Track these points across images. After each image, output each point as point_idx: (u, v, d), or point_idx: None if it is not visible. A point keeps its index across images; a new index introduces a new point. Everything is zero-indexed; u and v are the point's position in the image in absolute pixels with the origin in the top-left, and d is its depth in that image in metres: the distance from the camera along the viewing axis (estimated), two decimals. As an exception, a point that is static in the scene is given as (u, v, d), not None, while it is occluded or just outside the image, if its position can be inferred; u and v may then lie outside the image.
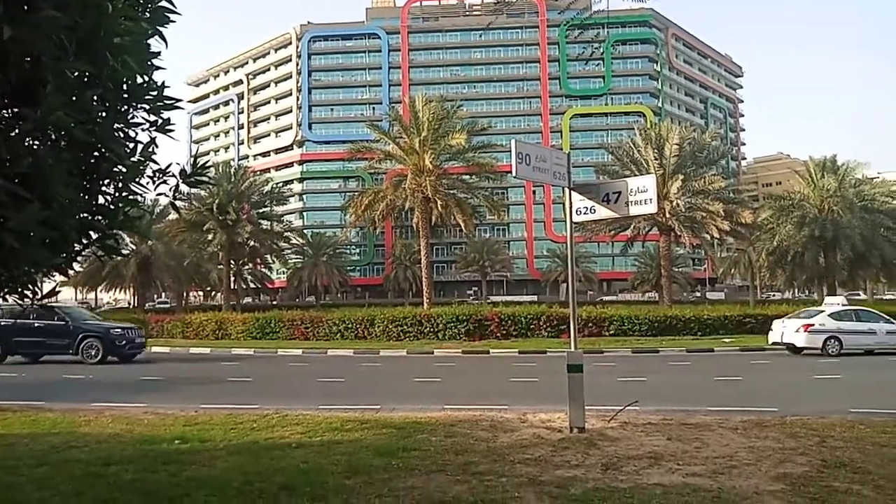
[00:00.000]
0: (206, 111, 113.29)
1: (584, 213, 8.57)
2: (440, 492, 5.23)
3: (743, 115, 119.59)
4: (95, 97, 2.93)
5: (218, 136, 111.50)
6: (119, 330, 19.13)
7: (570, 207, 8.49)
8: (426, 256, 31.65)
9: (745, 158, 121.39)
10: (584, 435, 7.44)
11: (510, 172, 7.87)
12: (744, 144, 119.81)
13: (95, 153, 3.07)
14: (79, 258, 3.60)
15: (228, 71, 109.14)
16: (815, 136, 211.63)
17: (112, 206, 3.27)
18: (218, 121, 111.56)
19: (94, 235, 3.27)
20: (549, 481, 5.51)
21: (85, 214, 3.16)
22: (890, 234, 36.84)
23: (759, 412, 9.04)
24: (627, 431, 7.68)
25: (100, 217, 3.23)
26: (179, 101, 3.38)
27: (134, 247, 42.32)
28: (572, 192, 8.44)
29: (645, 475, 5.70)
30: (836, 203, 35.81)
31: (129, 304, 61.22)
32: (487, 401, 10.42)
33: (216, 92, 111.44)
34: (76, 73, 2.62)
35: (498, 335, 23.55)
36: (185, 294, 59.34)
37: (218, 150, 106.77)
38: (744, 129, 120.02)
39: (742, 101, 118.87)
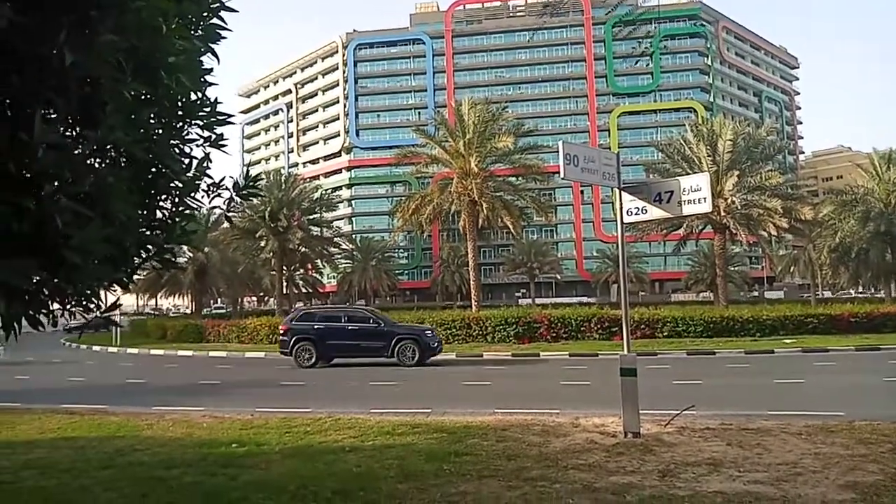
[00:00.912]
0: (256, 121, 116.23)
1: (636, 214, 8.40)
2: (493, 497, 5.20)
3: (800, 108, 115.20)
4: (152, 116, 3.04)
5: (269, 145, 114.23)
6: (430, 332, 18.99)
7: (621, 208, 8.33)
8: (474, 259, 31.61)
9: (803, 153, 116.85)
10: (639, 440, 7.28)
11: (558, 173, 7.79)
12: (801, 138, 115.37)
13: (153, 170, 3.18)
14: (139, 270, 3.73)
15: (277, 81, 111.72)
16: (879, 127, 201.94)
17: (169, 221, 3.38)
18: (268, 130, 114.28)
19: (152, 250, 3.38)
20: (604, 488, 5.40)
21: (144, 230, 3.28)
22: (964, 228, 34.83)
23: (825, 416, 8.65)
24: (685, 437, 7.46)
25: (158, 232, 3.34)
26: (232, 116, 3.47)
27: (191, 255, 43.70)
28: (623, 192, 8.29)
29: (704, 482, 5.53)
30: (903, 197, 34.12)
31: (189, 310, 63.23)
32: (539, 404, 10.32)
33: (266, 102, 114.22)
34: (133, 94, 2.71)
35: (548, 338, 23.31)
36: (239, 300, 60.92)
37: (269, 159, 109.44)
38: (801, 123, 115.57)
39: (798, 94, 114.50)
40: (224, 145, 3.47)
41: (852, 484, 5.36)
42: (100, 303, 3.24)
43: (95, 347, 28.57)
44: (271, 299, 56.11)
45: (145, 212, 3.29)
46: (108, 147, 2.78)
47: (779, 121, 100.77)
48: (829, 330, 22.94)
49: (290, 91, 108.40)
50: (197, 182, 3.38)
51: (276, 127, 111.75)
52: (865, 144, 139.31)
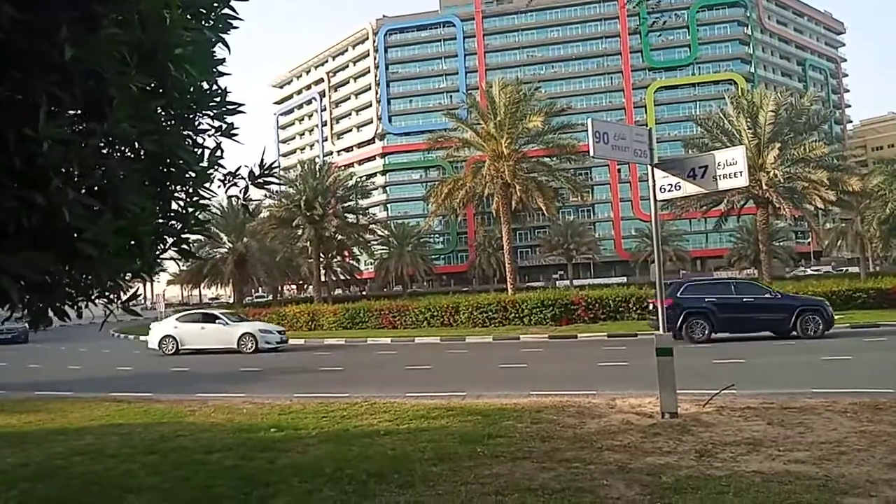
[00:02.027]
0: (290, 111, 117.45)
1: (669, 190, 8.21)
2: (526, 479, 5.19)
3: (846, 76, 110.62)
4: (161, 107, 3.06)
5: (303, 134, 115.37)
6: (827, 303, 17.60)
7: (654, 185, 8.15)
8: (508, 242, 31.44)
9: (850, 121, 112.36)
10: (676, 420, 7.16)
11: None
12: (849, 106, 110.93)
13: (165, 161, 3.22)
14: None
15: (310, 70, 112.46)
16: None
17: (185, 211, 3.42)
18: (302, 119, 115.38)
19: (169, 240, 3.43)
20: (639, 468, 5.33)
21: (160, 221, 3.32)
22: None
23: (873, 394, 8.36)
24: (724, 416, 7.31)
25: (174, 223, 3.39)
26: (242, 105, 3.48)
27: (231, 245, 44.64)
28: (655, 168, 8.11)
29: (743, 462, 5.41)
30: (959, 164, 32.53)
31: (231, 299, 64.70)
32: (575, 386, 10.24)
33: (299, 92, 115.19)
34: (139, 86, 2.73)
35: (585, 319, 23.11)
36: (279, 288, 62.01)
37: (303, 149, 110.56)
38: (848, 90, 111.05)
39: (845, 61, 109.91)
40: (235, 134, 3.49)
41: (900, 463, 5.17)
42: (121, 294, 3.31)
43: (142, 337, 29.39)
44: (310, 287, 56.92)
45: (160, 203, 3.34)
46: (116, 140, 2.82)
47: (824, 89, 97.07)
48: (879, 304, 22.16)
49: (322, 80, 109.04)
50: (210, 172, 3.40)
51: (310, 116, 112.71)
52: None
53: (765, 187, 29.47)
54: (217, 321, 21.25)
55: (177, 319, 22.14)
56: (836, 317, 20.32)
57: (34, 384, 14.33)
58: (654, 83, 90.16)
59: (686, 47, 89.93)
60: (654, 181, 8.11)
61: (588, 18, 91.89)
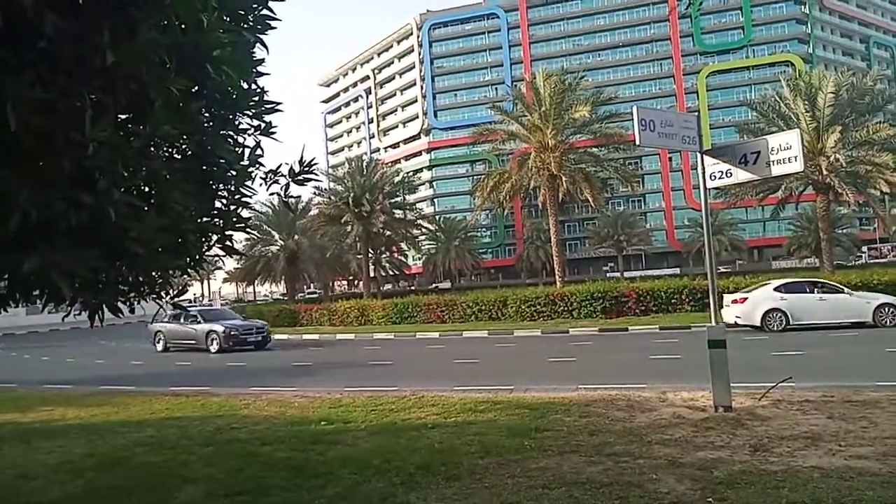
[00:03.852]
0: (337, 109, 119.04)
1: (720, 178, 7.97)
2: (573, 472, 5.14)
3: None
4: (201, 109, 3.15)
5: (350, 132, 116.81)
6: None
7: (704, 172, 7.92)
8: (556, 234, 31.09)
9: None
10: (730, 414, 6.96)
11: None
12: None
13: (207, 161, 3.31)
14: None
15: (356, 68, 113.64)
16: None
17: (227, 209, 3.51)
18: (349, 117, 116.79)
19: (213, 237, 3.53)
20: (689, 463, 5.22)
21: (204, 219, 3.43)
22: None
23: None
24: (781, 410, 7.07)
25: (217, 220, 3.49)
26: (280, 104, 3.55)
27: (282, 242, 45.67)
28: (705, 156, 7.88)
29: (800, 457, 5.22)
30: None
31: (283, 295, 66.26)
32: (625, 380, 10.08)
33: (345, 90, 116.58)
34: (179, 88, 2.82)
35: (636, 311, 22.66)
36: (330, 284, 63.08)
37: (351, 146, 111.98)
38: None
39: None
40: (274, 133, 3.57)
41: (971, 459, 4.89)
42: (170, 290, 3.43)
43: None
44: (359, 282, 57.75)
45: (204, 201, 3.44)
46: (159, 141, 2.92)
47: (890, 67, 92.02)
48: (952, 293, 20.92)
49: (368, 77, 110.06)
50: (251, 170, 3.49)
51: (357, 114, 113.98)
52: None
53: (825, 172, 28.21)
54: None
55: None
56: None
57: (100, 378, 15.02)
58: (706, 68, 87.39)
59: (740, 29, 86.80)
60: (703, 168, 7.89)
61: (636, 3, 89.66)
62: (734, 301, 17.82)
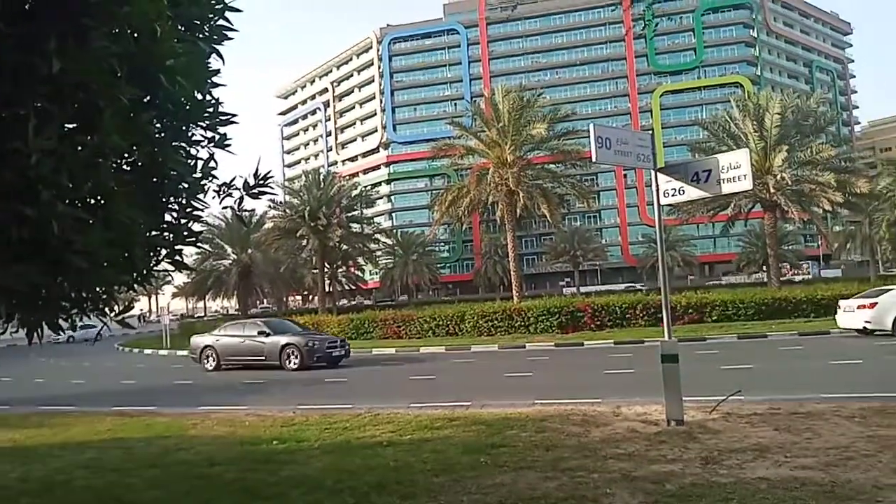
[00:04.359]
0: (295, 122, 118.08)
1: (674, 195, 8.15)
2: (529, 489, 5.13)
3: (854, 77, 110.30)
4: (152, 119, 3.05)
5: (308, 144, 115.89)
6: None
7: (657, 190, 8.11)
8: (513, 250, 31.38)
9: (858, 123, 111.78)
10: (682, 428, 7.08)
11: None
12: (856, 108, 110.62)
13: (158, 173, 3.20)
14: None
15: (314, 80, 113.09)
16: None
17: (177, 223, 3.40)
18: (307, 130, 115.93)
19: (163, 252, 3.41)
20: (643, 477, 5.27)
21: (153, 232, 3.31)
22: None
23: (883, 398, 8.25)
24: (730, 423, 7.22)
25: (167, 234, 3.37)
26: (234, 115, 3.48)
27: (235, 256, 44.79)
28: (659, 173, 8.07)
29: (749, 469, 5.34)
30: (968, 164, 32.23)
31: (237, 310, 64.87)
32: (580, 394, 10.16)
33: (303, 102, 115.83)
34: (130, 98, 2.72)
35: (592, 326, 22.97)
36: (284, 299, 62.11)
37: (308, 159, 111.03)
38: (855, 91, 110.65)
39: (852, 62, 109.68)
40: (229, 145, 3.48)
41: (908, 468, 5.07)
42: (115, 307, 3.29)
43: (147, 351, 29.55)
44: (315, 297, 57.02)
45: (153, 214, 3.32)
46: (108, 152, 2.81)
47: (831, 91, 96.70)
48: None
49: (326, 90, 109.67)
50: (203, 183, 3.39)
51: (315, 126, 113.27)
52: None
53: (772, 190, 29.32)
54: None
55: None
56: (827, 320, 20.17)
57: (38, 399, 14.37)
58: (660, 87, 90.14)
59: (692, 51, 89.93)
60: (657, 186, 8.07)
61: (592, 23, 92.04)
62: (860, 307, 17.47)
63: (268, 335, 18.24)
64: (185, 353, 27.63)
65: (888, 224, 35.61)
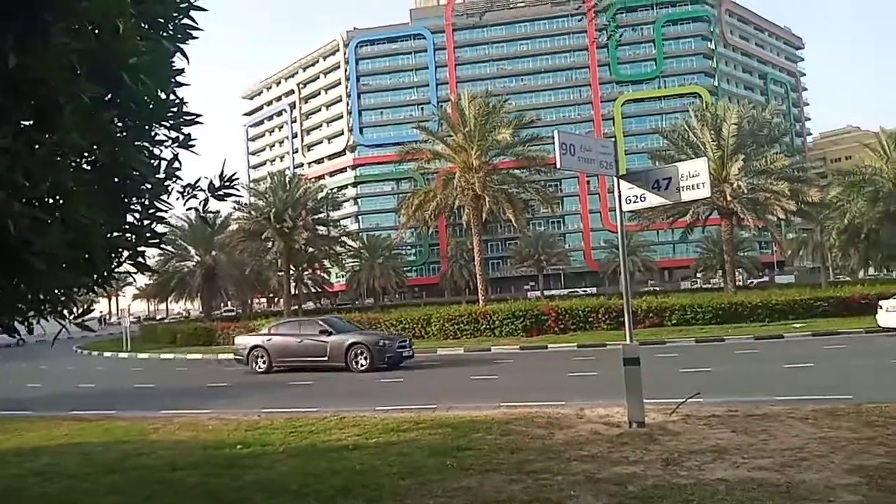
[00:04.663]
0: (260, 123, 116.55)
1: (635, 202, 8.33)
2: (494, 491, 5.18)
3: (806, 90, 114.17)
4: (114, 118, 2.99)
5: (273, 146, 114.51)
6: None
7: (619, 196, 8.27)
8: (479, 253, 31.55)
9: (810, 134, 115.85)
10: (643, 430, 7.23)
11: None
12: (808, 119, 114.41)
13: (119, 172, 3.14)
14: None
15: (280, 82, 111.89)
16: (887, 105, 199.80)
17: (140, 224, 3.34)
18: (272, 131, 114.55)
19: (124, 254, 3.34)
20: (606, 479, 5.37)
21: (113, 233, 3.23)
22: (976, 205, 34.26)
23: (833, 400, 8.57)
24: (690, 425, 7.41)
25: (129, 235, 3.30)
26: (199, 116, 3.43)
27: (199, 258, 43.94)
28: (621, 180, 8.23)
29: (708, 470, 5.49)
30: (912, 175, 33.63)
31: (201, 313, 63.60)
32: (545, 397, 10.28)
33: (269, 103, 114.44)
34: (91, 96, 2.66)
35: (556, 330, 23.23)
36: (249, 301, 61.20)
37: (274, 160, 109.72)
38: (808, 104, 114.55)
39: (804, 75, 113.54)
40: (193, 145, 3.43)
41: (858, 467, 5.29)
42: (73, 310, 3.21)
43: (106, 354, 28.79)
44: (280, 300, 56.29)
45: (114, 215, 3.25)
46: (66, 150, 2.75)
47: (784, 103, 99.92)
48: (839, 312, 22.73)
49: (292, 91, 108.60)
50: (167, 184, 3.34)
51: (280, 128, 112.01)
52: (874, 123, 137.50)
53: (729, 198, 30.09)
54: None
55: None
56: (797, 325, 20.95)
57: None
58: (622, 96, 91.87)
59: (652, 61, 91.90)
60: (619, 192, 8.23)
61: (557, 32, 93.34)
62: None
63: (330, 333, 16.83)
64: (145, 355, 27.17)
65: (838, 232, 36.83)
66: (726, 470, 5.46)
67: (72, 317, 3.20)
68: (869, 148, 38.83)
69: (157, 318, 73.19)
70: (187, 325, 36.00)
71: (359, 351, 16.30)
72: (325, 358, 16.56)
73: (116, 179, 3.17)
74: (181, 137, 3.37)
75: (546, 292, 68.86)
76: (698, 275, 70.86)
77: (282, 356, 17.31)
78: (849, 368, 12.65)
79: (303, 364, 16.96)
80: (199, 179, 3.52)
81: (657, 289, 64.89)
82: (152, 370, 21.40)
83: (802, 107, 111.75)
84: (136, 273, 3.60)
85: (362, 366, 16.12)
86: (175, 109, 3.28)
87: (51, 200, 2.80)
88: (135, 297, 60.08)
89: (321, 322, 17.90)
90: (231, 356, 19.30)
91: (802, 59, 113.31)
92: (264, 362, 17.43)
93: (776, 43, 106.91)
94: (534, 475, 5.59)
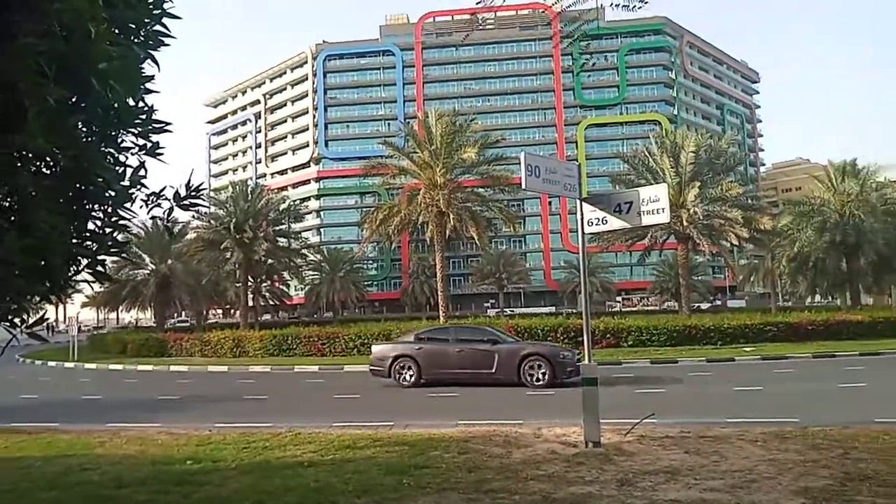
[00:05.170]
0: (224, 131, 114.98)
1: (597, 224, 8.50)
2: (451, 510, 5.16)
3: (760, 121, 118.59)
4: (80, 123, 2.92)
5: (236, 155, 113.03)
6: None
7: (582, 219, 8.42)
8: (442, 270, 31.60)
9: (763, 164, 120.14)
10: (599, 450, 7.31)
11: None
12: (762, 150, 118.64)
13: (83, 178, 3.06)
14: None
15: (246, 91, 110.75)
16: (836, 139, 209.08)
17: (101, 232, 3.25)
18: (236, 140, 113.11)
19: (83, 262, 3.24)
20: (562, 498, 5.40)
21: (74, 241, 3.14)
22: (915, 237, 35.99)
23: (781, 423, 8.82)
24: (644, 445, 7.52)
25: (89, 243, 3.21)
26: (169, 124, 3.38)
27: (153, 266, 42.81)
28: (584, 203, 8.38)
29: (661, 491, 5.57)
30: (857, 207, 35.10)
31: (154, 322, 61.82)
32: (503, 415, 10.30)
33: (234, 112, 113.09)
34: (58, 99, 2.60)
35: (515, 348, 23.31)
36: (204, 312, 59.81)
37: (236, 170, 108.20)
38: (762, 135, 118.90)
39: (759, 107, 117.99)
40: (161, 154, 3.38)
41: (803, 489, 5.45)
42: (25, 318, 3.10)
43: (51, 363, 27.71)
44: (237, 312, 55.18)
45: (75, 222, 3.16)
46: (30, 154, 2.67)
47: (740, 133, 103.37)
48: (787, 337, 23.46)
49: (258, 101, 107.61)
50: (131, 192, 3.26)
51: (244, 137, 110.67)
52: (823, 156, 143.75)
53: (685, 224, 30.90)
54: None
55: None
56: (748, 348, 21.54)
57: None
58: (585, 120, 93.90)
59: (615, 88, 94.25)
60: (582, 215, 8.38)
61: (524, 55, 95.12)
62: None
63: (496, 342, 14.87)
64: (93, 366, 26.21)
65: (788, 259, 38.16)
66: (679, 491, 5.56)
67: (23, 325, 3.08)
68: (818, 180, 40.51)
69: (108, 327, 70.86)
70: (139, 335, 34.95)
71: (535, 363, 14.22)
72: (491, 370, 14.50)
73: (79, 185, 3.09)
74: (149, 145, 3.31)
75: (506, 310, 69.27)
76: (654, 296, 72.32)
77: (436, 367, 15.18)
78: (796, 392, 13.05)
79: (460, 377, 14.78)
80: (164, 188, 3.46)
81: (625, 309, 66.27)
82: (100, 381, 20.66)
83: (756, 138, 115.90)
84: (94, 282, 3.50)
85: (538, 380, 14.09)
86: (144, 117, 3.22)
87: (7, 205, 2.71)
88: (84, 304, 57.97)
89: (489, 329, 16.23)
90: (185, 368, 18.84)
91: (758, 92, 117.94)
92: (412, 375, 15.25)
93: (733, 76, 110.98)
94: (491, 494, 5.59)
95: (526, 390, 13.72)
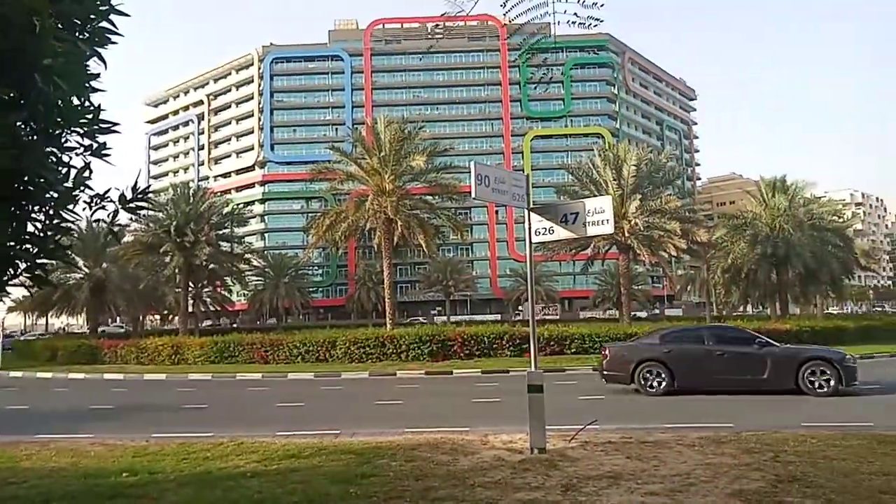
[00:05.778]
0: (165, 132, 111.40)
1: (543, 234, 8.65)
2: (398, 519, 5.14)
3: (697, 137, 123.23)
4: (21, 121, 2.79)
5: (177, 156, 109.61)
6: None
7: (529, 228, 8.56)
8: (389, 277, 31.47)
9: (699, 179, 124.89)
10: (544, 456, 7.42)
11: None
12: (698, 165, 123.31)
13: (23, 179, 2.92)
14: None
15: (188, 91, 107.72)
16: (767, 156, 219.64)
17: (42, 235, 3.11)
18: (177, 141, 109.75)
19: (21, 266, 3.09)
20: (508, 505, 5.46)
21: (11, 244, 2.99)
22: (837, 251, 38.12)
23: (716, 428, 9.17)
24: (587, 451, 7.68)
25: (28, 246, 3.07)
26: (117, 124, 3.26)
27: (87, 270, 41.04)
28: (531, 213, 8.52)
29: (604, 496, 5.71)
30: (786, 221, 36.89)
31: (89, 329, 59.15)
32: (450, 423, 10.33)
33: (175, 112, 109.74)
34: None
35: (461, 355, 23.46)
36: (141, 318, 57.68)
37: (177, 171, 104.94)
38: (698, 151, 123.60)
39: (696, 124, 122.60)
40: (107, 155, 3.24)
41: (738, 492, 5.69)
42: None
43: (-27, 371, 26.14)
44: (176, 318, 53.38)
45: (13, 224, 3.00)
46: None
47: (678, 148, 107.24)
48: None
49: (201, 102, 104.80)
50: (75, 194, 3.13)
51: (186, 138, 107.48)
52: (755, 172, 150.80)
53: (627, 235, 31.81)
54: None
55: None
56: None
57: None
58: (531, 132, 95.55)
59: (561, 101, 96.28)
60: (529, 224, 8.52)
61: (473, 65, 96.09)
62: None
63: (763, 345, 13.55)
64: (18, 373, 24.85)
65: (722, 270, 39.69)
66: (622, 495, 5.70)
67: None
68: (750, 194, 42.37)
69: (37, 332, 67.32)
70: (70, 341, 33.39)
71: (819, 369, 12.93)
72: (762, 376, 13.23)
73: (18, 186, 2.93)
74: (95, 146, 3.18)
75: (452, 317, 69.44)
76: (596, 305, 74.00)
77: (693, 373, 13.70)
78: (729, 398, 13.53)
79: (723, 384, 13.43)
80: (108, 190, 3.32)
81: (568, 318, 67.28)
82: (27, 390, 19.64)
83: (693, 153, 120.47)
84: (32, 287, 3.33)
85: (820, 387, 12.82)
86: (90, 116, 3.09)
87: None
88: (10, 309, 54.90)
89: (750, 331, 15.05)
90: (120, 376, 18.10)
91: (695, 110, 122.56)
92: (661, 381, 13.73)
93: (671, 93, 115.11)
94: (438, 502, 5.60)
95: (806, 398, 12.63)
